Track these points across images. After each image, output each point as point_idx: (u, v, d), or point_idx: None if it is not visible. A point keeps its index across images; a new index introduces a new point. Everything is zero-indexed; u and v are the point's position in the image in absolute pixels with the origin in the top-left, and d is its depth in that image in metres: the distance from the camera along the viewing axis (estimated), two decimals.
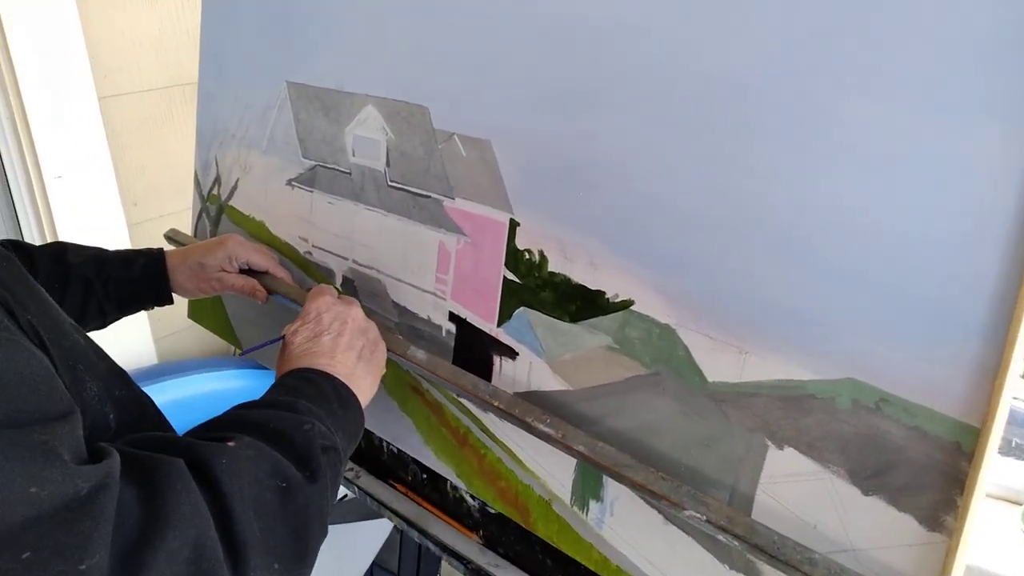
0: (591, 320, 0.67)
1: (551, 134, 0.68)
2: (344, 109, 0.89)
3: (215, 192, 1.14)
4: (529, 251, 0.72)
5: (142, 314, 0.99)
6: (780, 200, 0.54)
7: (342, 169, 0.91)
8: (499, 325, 0.75)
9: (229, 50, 1.07)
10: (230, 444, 0.51)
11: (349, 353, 0.70)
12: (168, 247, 0.99)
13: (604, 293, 0.66)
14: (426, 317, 0.83)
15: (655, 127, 0.61)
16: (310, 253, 0.98)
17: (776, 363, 0.56)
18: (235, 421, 0.57)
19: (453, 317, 0.80)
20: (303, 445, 0.56)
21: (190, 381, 1.72)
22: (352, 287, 0.93)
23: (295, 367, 0.68)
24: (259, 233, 1.06)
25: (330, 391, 0.65)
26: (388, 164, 0.85)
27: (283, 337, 0.73)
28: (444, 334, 0.81)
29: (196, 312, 1.22)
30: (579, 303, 0.68)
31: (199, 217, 1.18)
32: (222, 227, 1.13)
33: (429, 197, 0.81)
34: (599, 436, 0.66)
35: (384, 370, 0.75)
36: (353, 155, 0.89)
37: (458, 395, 0.77)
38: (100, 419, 0.57)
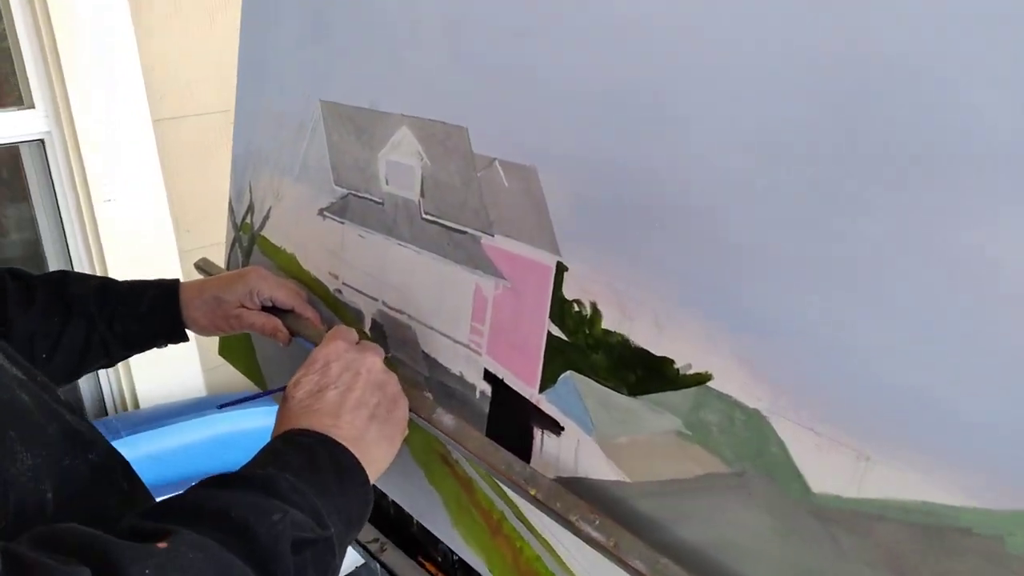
0: (655, 395, 0.53)
1: (608, 160, 0.54)
2: (378, 131, 0.78)
3: (248, 221, 1.04)
4: (579, 303, 0.58)
5: (191, 343, 0.90)
6: (933, 251, 0.39)
7: (375, 199, 0.80)
8: (541, 391, 0.61)
9: (266, 68, 0.98)
10: (161, 546, 0.39)
11: (359, 412, 0.58)
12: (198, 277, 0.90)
13: (672, 362, 0.51)
14: (458, 373, 0.70)
15: (747, 152, 0.46)
16: (340, 292, 0.87)
17: (913, 477, 0.40)
18: (188, 507, 0.45)
19: (489, 376, 0.67)
20: (267, 543, 0.43)
21: (241, 416, 1.64)
22: (381, 332, 0.81)
23: (291, 427, 0.56)
24: (289, 267, 0.96)
25: (326, 461, 0.53)
26: (422, 194, 0.73)
27: (283, 389, 0.61)
28: (478, 396, 0.68)
29: (226, 348, 1.12)
30: (640, 372, 0.54)
31: (232, 247, 1.09)
32: (253, 259, 1.04)
33: (465, 233, 0.68)
34: (663, 547, 0.51)
35: (406, 432, 0.62)
36: (386, 183, 0.78)
37: (486, 471, 0.63)
38: (32, 498, 0.46)
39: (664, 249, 0.51)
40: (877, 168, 0.41)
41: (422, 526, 0.84)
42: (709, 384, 0.50)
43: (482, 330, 0.67)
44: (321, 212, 0.89)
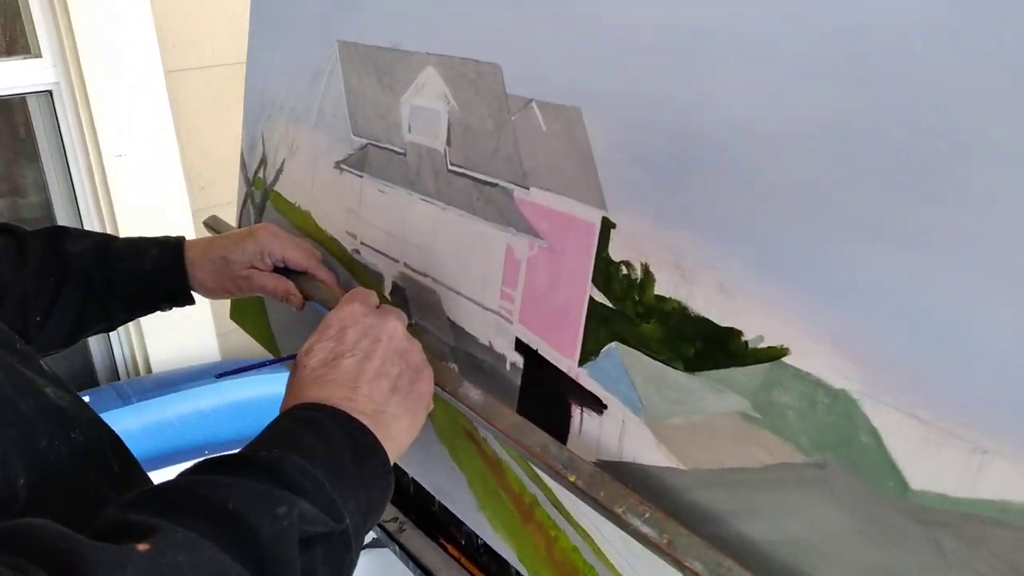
0: (717, 372, 0.46)
1: (667, 98, 0.47)
2: (400, 72, 0.70)
3: (260, 175, 0.98)
4: (628, 264, 0.50)
5: (204, 305, 0.85)
6: None
7: (396, 149, 0.72)
8: (582, 364, 0.54)
9: (280, 7, 0.90)
10: (142, 548, 0.33)
11: (379, 383, 0.51)
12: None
13: (740, 334, 0.44)
14: (487, 343, 0.63)
15: (837, 85, 0.39)
16: (358, 252, 0.80)
17: None
18: (180, 496, 0.39)
19: (521, 347, 0.60)
20: (269, 542, 0.37)
21: (256, 381, 1.59)
22: (403, 296, 0.74)
23: (302, 400, 0.49)
24: (305, 226, 0.89)
25: (342, 440, 0.46)
26: (449, 143, 0.65)
27: (293, 357, 0.55)
28: (508, 367, 0.61)
29: (238, 312, 1.06)
30: (699, 345, 0.46)
31: (243, 204, 1.02)
32: (266, 216, 0.97)
33: (496, 186, 0.61)
34: (723, 545, 0.44)
35: (431, 406, 0.56)
36: (409, 131, 0.70)
37: (518, 452, 0.56)
38: (1, 488, 0.40)
39: (733, 202, 0.44)
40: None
41: (444, 506, 0.78)
42: (785, 360, 0.42)
43: (514, 296, 0.60)
44: (338, 165, 0.82)
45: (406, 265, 0.73)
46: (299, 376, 0.52)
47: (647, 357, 0.50)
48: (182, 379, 1.51)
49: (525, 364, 0.60)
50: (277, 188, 0.94)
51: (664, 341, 0.49)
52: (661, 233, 0.48)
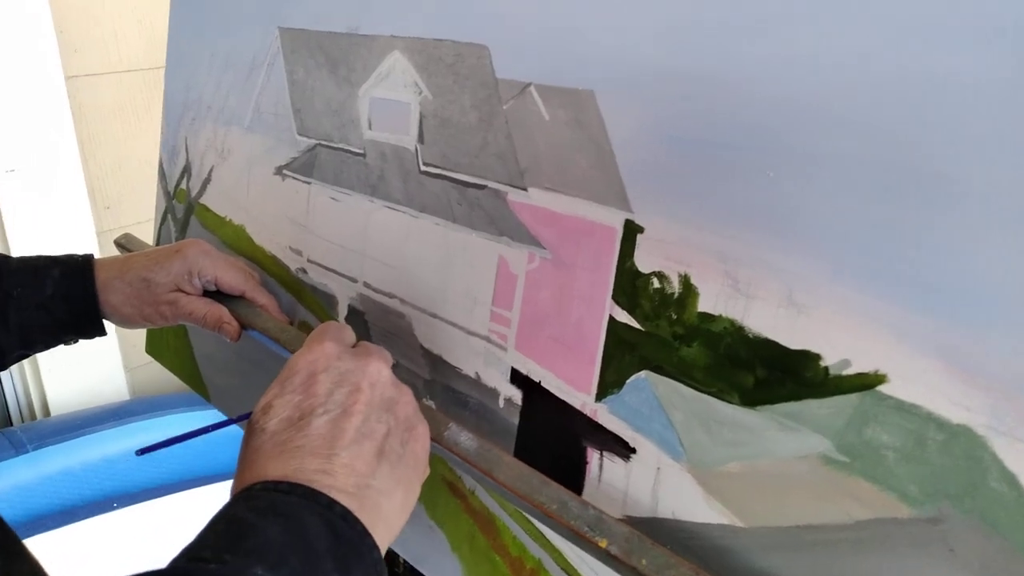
0: (788, 406, 0.37)
1: (713, 71, 0.38)
2: (359, 61, 0.60)
3: (183, 186, 0.85)
4: (661, 276, 0.42)
5: (110, 337, 0.71)
6: None
7: (353, 149, 0.62)
8: (600, 398, 0.45)
9: None
10: None
11: (362, 447, 0.40)
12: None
13: (818, 358, 0.36)
14: (473, 375, 0.53)
15: (939, 42, 0.31)
16: (304, 271, 0.69)
17: None
18: None
19: (518, 378, 0.50)
20: None
21: (166, 422, 1.42)
22: (362, 322, 0.63)
23: (261, 477, 0.37)
24: (238, 242, 0.77)
25: (320, 533, 0.35)
26: (421, 139, 0.55)
27: (248, 416, 0.43)
28: (502, 404, 0.51)
29: (155, 345, 0.92)
30: (762, 373, 0.38)
31: (162, 221, 0.89)
32: (190, 233, 0.84)
33: (484, 188, 0.51)
34: None
35: (427, 472, 0.44)
36: (369, 127, 0.60)
37: (524, 511, 0.46)
38: None
39: (805, 193, 0.36)
40: None
41: (409, 568, 0.66)
42: (881, 389, 0.34)
43: (509, 317, 0.50)
44: (280, 171, 0.70)
45: (366, 284, 0.62)
46: (256, 443, 0.40)
47: (689, 389, 0.41)
48: (87, 422, 1.33)
49: (524, 400, 0.50)
50: (204, 200, 0.81)
51: (712, 369, 0.40)
52: (706, 236, 0.40)
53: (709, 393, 0.40)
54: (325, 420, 0.39)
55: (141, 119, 1.42)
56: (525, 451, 0.50)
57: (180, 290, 0.67)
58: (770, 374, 0.38)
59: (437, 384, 0.56)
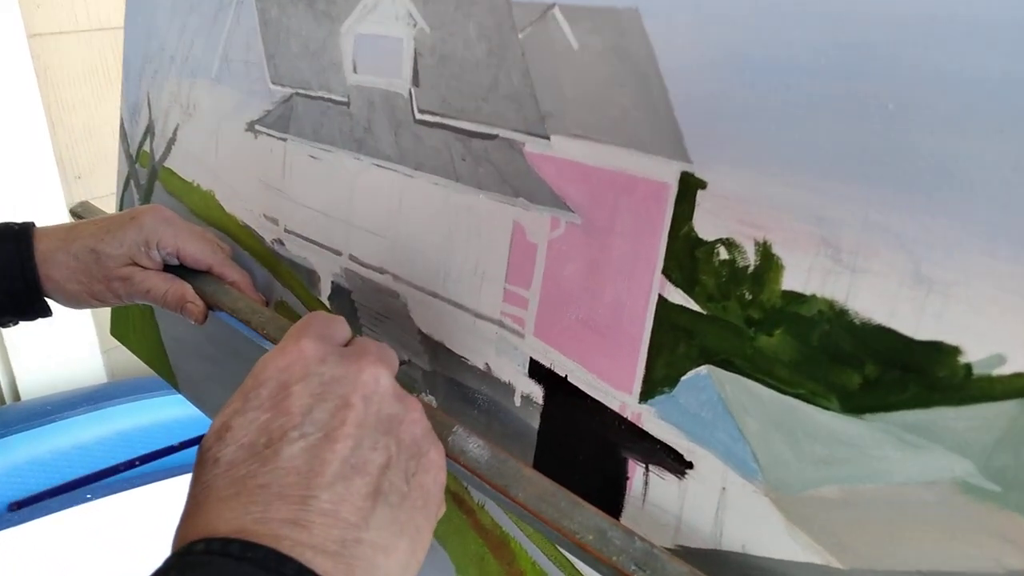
0: (910, 415, 0.28)
1: None
2: None
3: (146, 148, 0.75)
4: (730, 244, 0.32)
5: (83, 315, 0.62)
6: None
7: (335, 97, 0.52)
8: (646, 399, 0.36)
9: None
10: None
11: (351, 486, 0.29)
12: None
13: (956, 352, 0.27)
14: (482, 366, 0.44)
15: None
16: (281, 242, 0.59)
17: None
18: None
19: (539, 371, 0.41)
20: None
21: (144, 406, 1.33)
22: (348, 302, 0.54)
23: (208, 532, 0.27)
24: (206, 210, 0.67)
25: None
26: (416, 82, 0.46)
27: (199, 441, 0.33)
28: (518, 402, 0.42)
29: (120, 326, 0.83)
30: (873, 370, 0.29)
31: (125, 187, 0.79)
32: (155, 200, 0.75)
33: (495, 138, 0.41)
34: None
35: (442, 509, 0.34)
36: (354, 70, 0.50)
37: (552, 539, 0.37)
38: None
39: (941, 131, 0.26)
40: None
41: None
42: None
43: (526, 297, 0.41)
44: (252, 126, 0.61)
45: (352, 258, 0.53)
46: (206, 478, 0.30)
47: (768, 390, 0.32)
48: (58, 407, 1.24)
49: (546, 398, 0.40)
50: (168, 164, 0.71)
51: (801, 364, 0.30)
52: (794, 191, 0.30)
53: (796, 396, 0.31)
54: (301, 448, 0.29)
55: (113, 82, 1.31)
56: (547, 461, 0.41)
57: (135, 264, 0.57)
58: (884, 373, 0.28)
59: (439, 377, 0.47)
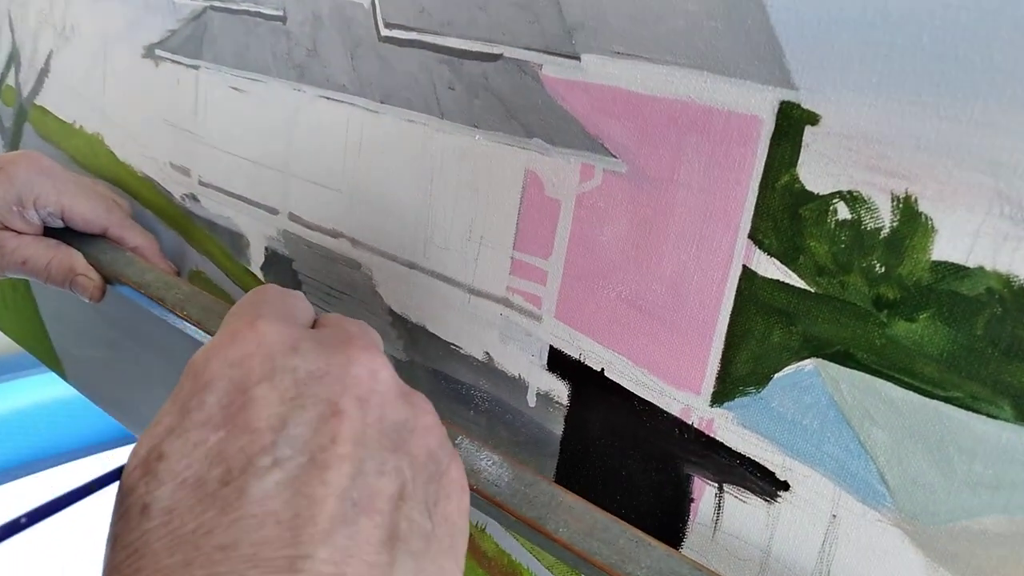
0: None
1: None
2: None
3: (11, 83, 0.60)
4: (854, 200, 0.24)
5: None
6: None
7: (265, 10, 0.41)
8: (720, 401, 0.28)
9: None
10: None
11: (357, 532, 0.19)
12: None
13: None
14: (481, 356, 0.35)
15: None
16: (194, 198, 0.48)
17: None
18: None
19: (562, 362, 0.32)
20: None
21: (10, 388, 1.16)
22: (287, 272, 0.43)
23: None
24: (92, 158, 0.54)
25: None
26: None
27: (119, 473, 0.22)
28: (532, 403, 0.33)
29: None
30: None
31: None
32: (25, 146, 0.60)
33: (498, 59, 0.32)
34: None
35: (465, 544, 0.24)
36: None
37: (577, 568, 0.29)
38: None
39: None
40: None
41: None
42: None
43: (543, 268, 0.32)
44: (151, 51, 0.48)
45: (294, 217, 0.42)
46: (132, 536, 0.19)
47: (906, 391, 0.24)
48: None
49: (573, 398, 0.32)
50: (41, 101, 0.57)
51: (958, 359, 0.23)
52: (956, 127, 0.22)
53: (948, 400, 0.23)
54: (277, 482, 0.19)
55: None
56: (574, 478, 0.32)
57: (6, 228, 0.45)
58: None
59: (418, 368, 0.37)
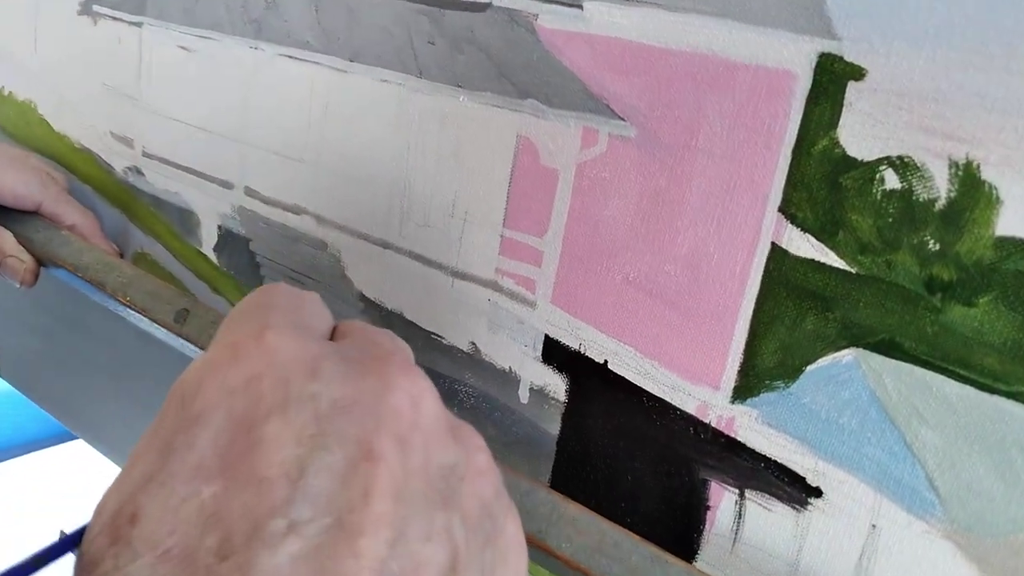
0: None
1: None
2: None
3: None
4: (904, 166, 0.21)
5: None
6: None
7: None
8: (743, 397, 0.24)
9: None
10: None
11: None
12: None
13: None
14: (466, 347, 0.31)
15: None
16: (138, 171, 0.43)
17: None
18: None
19: (559, 353, 0.28)
20: None
21: None
22: (244, 253, 0.39)
23: None
24: (24, 128, 0.49)
25: None
26: None
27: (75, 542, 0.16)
28: (524, 399, 0.30)
29: None
30: None
31: None
32: None
33: (485, 8, 0.28)
34: None
35: None
36: None
37: None
38: None
39: None
40: None
41: None
42: None
43: (538, 248, 0.28)
44: (87, 7, 0.43)
45: (250, 192, 0.37)
46: None
47: (963, 386, 0.21)
48: None
49: (572, 393, 0.28)
50: None
51: (1022, 351, 0.20)
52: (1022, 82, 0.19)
53: (1010, 396, 0.20)
54: (293, 555, 0.14)
55: None
56: (572, 483, 0.29)
57: None
58: None
59: None
